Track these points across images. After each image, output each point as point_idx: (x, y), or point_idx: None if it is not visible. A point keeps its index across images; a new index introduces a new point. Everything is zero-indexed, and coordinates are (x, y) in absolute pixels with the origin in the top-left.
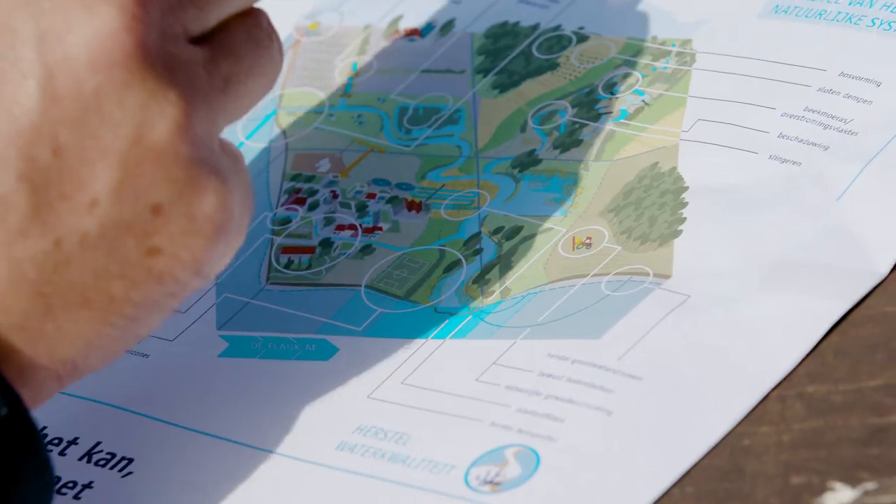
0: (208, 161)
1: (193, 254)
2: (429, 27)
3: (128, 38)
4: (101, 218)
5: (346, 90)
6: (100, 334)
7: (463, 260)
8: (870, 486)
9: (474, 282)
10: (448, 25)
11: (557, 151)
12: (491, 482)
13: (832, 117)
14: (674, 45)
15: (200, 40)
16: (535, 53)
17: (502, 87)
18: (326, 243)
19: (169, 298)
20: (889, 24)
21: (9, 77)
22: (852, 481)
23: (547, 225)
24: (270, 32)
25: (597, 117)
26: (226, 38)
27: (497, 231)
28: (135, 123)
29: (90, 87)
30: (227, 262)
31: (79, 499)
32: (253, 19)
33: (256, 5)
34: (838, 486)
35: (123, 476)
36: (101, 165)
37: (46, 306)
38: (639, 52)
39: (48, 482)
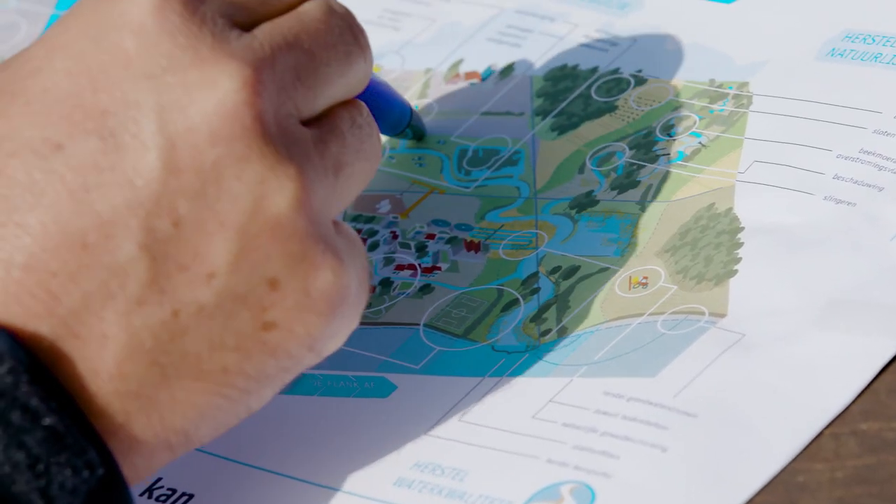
0: (325, 238)
1: (308, 330)
2: (489, 71)
3: (247, 113)
4: (218, 289)
5: None
6: (212, 405)
7: (521, 299)
8: None
9: (532, 320)
10: (508, 69)
11: (615, 192)
12: None
13: (887, 159)
14: (731, 88)
15: (309, 123)
16: (594, 96)
17: (561, 129)
18: (386, 283)
19: (282, 372)
20: None
21: (131, 148)
22: None
23: (604, 265)
24: (371, 121)
25: (654, 159)
26: (332, 123)
27: (554, 271)
28: (253, 197)
29: (210, 159)
30: (342, 341)
31: None
32: (355, 108)
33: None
34: None
35: None
36: (219, 237)
37: (162, 375)
38: (696, 94)
39: None
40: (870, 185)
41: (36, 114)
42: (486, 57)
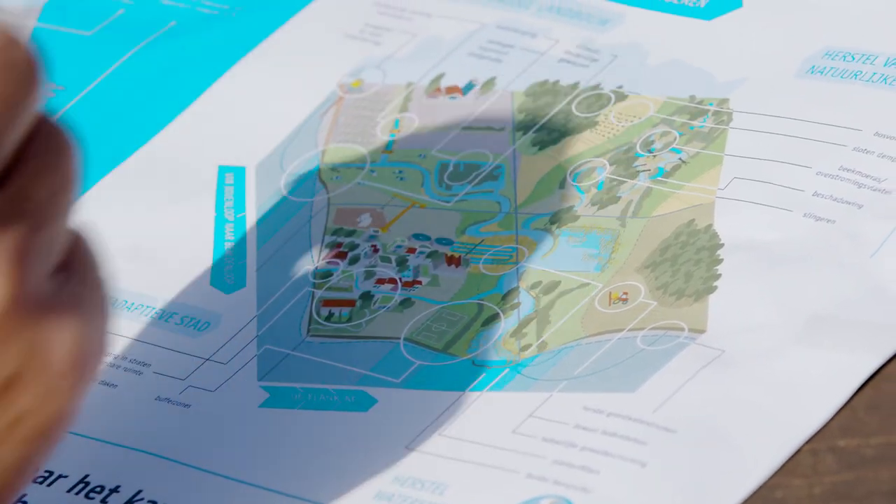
0: (47, 309)
1: (59, 404)
2: (470, 85)
3: None
4: None
5: (387, 146)
6: None
7: (501, 314)
8: None
9: (512, 335)
10: (489, 83)
11: (595, 208)
12: None
13: (866, 176)
14: (711, 105)
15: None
16: (575, 111)
17: (542, 144)
18: (367, 296)
19: (42, 456)
20: None
21: None
22: None
23: (584, 280)
24: (57, 134)
25: (634, 175)
26: (20, 173)
27: (535, 286)
28: None
29: None
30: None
31: None
32: (41, 135)
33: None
34: None
35: None
36: None
37: None
38: (676, 110)
39: None
40: (849, 203)
41: None
42: (467, 71)
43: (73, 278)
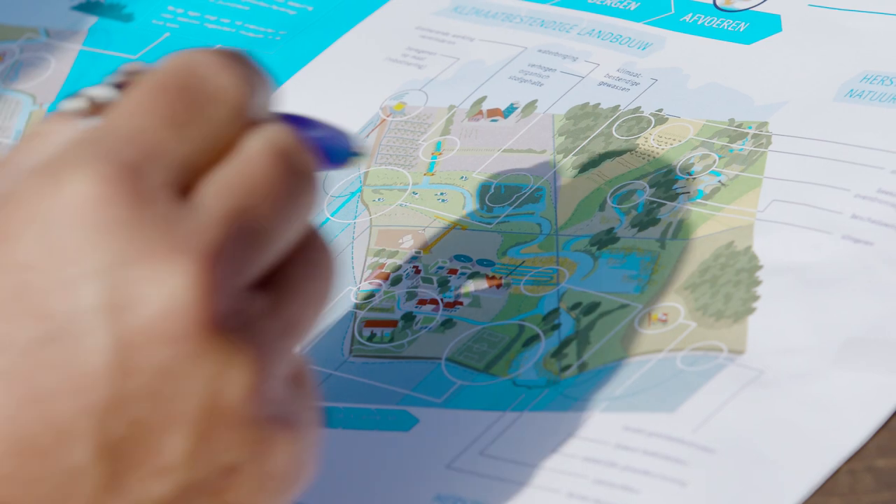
0: (279, 415)
1: (268, 502)
2: (511, 108)
3: (198, 310)
4: (175, 482)
5: (429, 168)
6: None
7: (541, 335)
8: None
9: (552, 356)
10: (530, 106)
11: (635, 230)
12: None
13: None
14: (750, 128)
15: (264, 279)
16: (615, 134)
17: (582, 167)
18: (408, 317)
19: None
20: None
21: (81, 350)
22: None
23: (624, 301)
24: (326, 252)
25: (674, 197)
26: (287, 276)
27: (575, 307)
28: (207, 392)
29: (162, 359)
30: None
31: None
32: (309, 243)
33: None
34: None
35: None
36: (174, 434)
37: None
38: (716, 133)
39: None
40: (887, 225)
41: None
42: (508, 95)
43: (302, 392)
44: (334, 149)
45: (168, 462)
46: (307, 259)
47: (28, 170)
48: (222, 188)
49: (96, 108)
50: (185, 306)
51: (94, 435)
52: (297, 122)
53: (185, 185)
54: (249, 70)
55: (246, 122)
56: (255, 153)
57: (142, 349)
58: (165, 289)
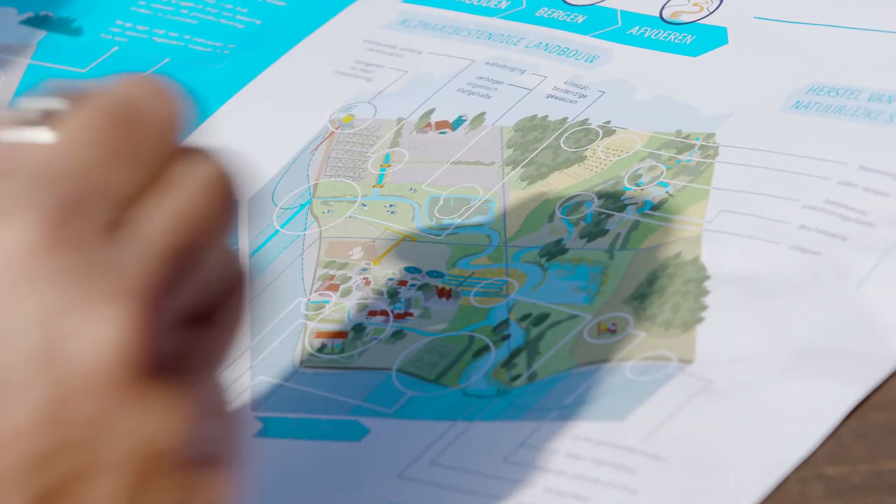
0: (208, 454)
1: None
2: (459, 120)
3: (127, 359)
4: None
5: (378, 181)
6: None
7: (491, 345)
8: None
9: (502, 366)
10: (478, 119)
11: (584, 241)
12: None
13: (851, 209)
14: (697, 139)
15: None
16: (563, 146)
17: (531, 178)
18: (359, 328)
19: None
20: None
21: (12, 403)
22: None
23: (573, 312)
24: (240, 270)
25: (622, 208)
26: (215, 320)
27: (525, 318)
28: (140, 439)
29: (94, 408)
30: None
31: None
32: (224, 262)
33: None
34: None
35: None
36: (108, 482)
37: None
38: (663, 145)
39: None
40: (835, 235)
41: None
42: (456, 107)
43: (226, 425)
44: None
45: None
46: (224, 284)
47: None
48: (158, 222)
49: (45, 117)
50: (112, 356)
51: (27, 488)
52: None
53: (116, 220)
54: (177, 97)
55: (175, 149)
56: (189, 186)
57: (75, 400)
58: (98, 336)
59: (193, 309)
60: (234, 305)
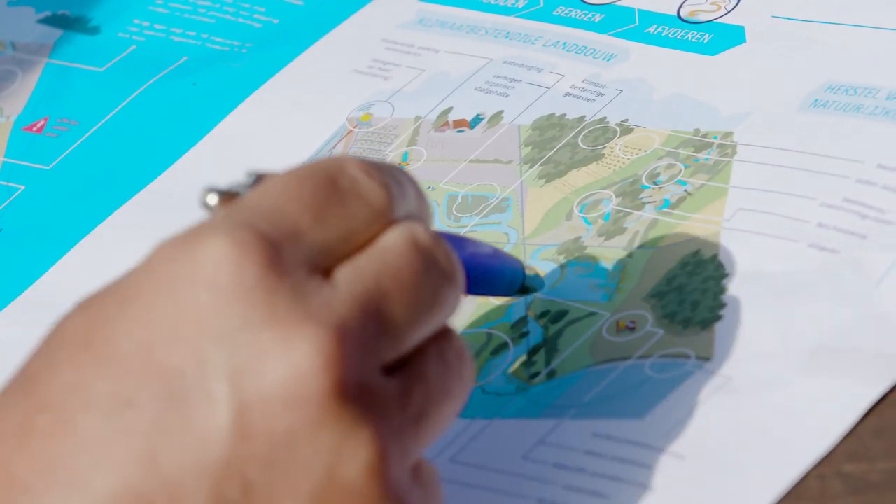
0: (400, 500)
1: None
2: (477, 119)
3: (324, 378)
4: None
5: None
6: None
7: (510, 343)
8: None
9: (521, 364)
10: (496, 117)
11: (602, 239)
12: None
13: (870, 207)
14: (715, 138)
15: (393, 367)
16: (581, 144)
17: (548, 176)
18: None
19: None
20: None
21: (201, 411)
22: None
23: (592, 309)
24: (461, 352)
25: (640, 206)
26: (418, 366)
27: (543, 315)
28: (327, 463)
29: (283, 425)
30: None
31: None
32: (445, 341)
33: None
34: None
35: None
36: (288, 502)
37: None
38: (681, 143)
39: None
40: (853, 233)
41: (106, 367)
42: (474, 106)
43: (426, 492)
44: (500, 272)
45: None
46: (442, 358)
47: (166, 240)
48: (357, 272)
49: (228, 199)
50: (310, 373)
51: (208, 497)
52: (460, 242)
53: (320, 268)
54: (397, 179)
55: (387, 221)
56: (392, 244)
57: (262, 414)
58: (292, 355)
59: (401, 367)
60: (445, 376)
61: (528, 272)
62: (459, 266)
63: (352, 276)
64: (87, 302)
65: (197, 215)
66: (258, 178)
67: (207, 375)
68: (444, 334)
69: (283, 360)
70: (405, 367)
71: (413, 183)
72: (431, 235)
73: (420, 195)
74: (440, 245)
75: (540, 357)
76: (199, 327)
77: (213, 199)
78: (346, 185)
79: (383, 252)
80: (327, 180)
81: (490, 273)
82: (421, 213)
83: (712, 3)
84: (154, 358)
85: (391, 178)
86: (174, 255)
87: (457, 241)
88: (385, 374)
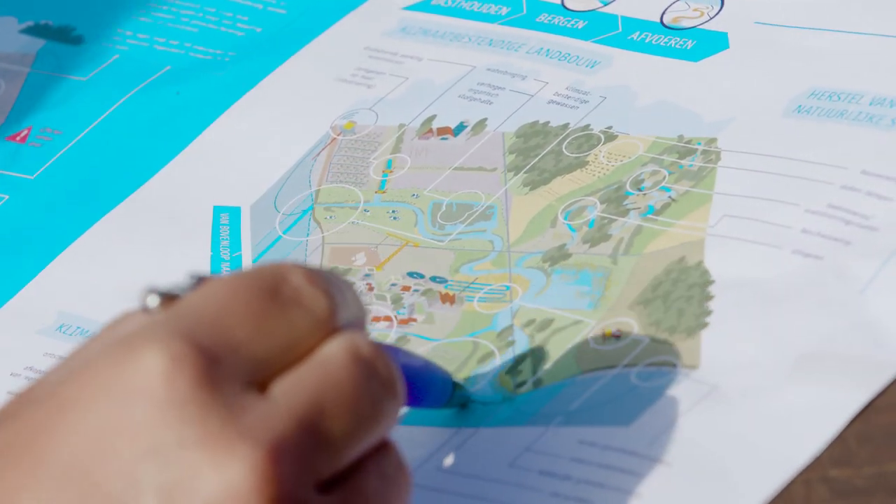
0: None
1: None
2: (461, 126)
3: (259, 498)
4: None
5: (380, 186)
6: None
7: (496, 351)
8: None
9: (507, 372)
10: (480, 125)
11: (587, 246)
12: None
13: (854, 213)
14: (699, 144)
15: (330, 481)
16: (565, 152)
17: (533, 184)
18: None
19: None
20: None
21: None
22: None
23: (577, 317)
24: (400, 465)
25: (625, 213)
26: (357, 482)
27: (529, 324)
28: None
29: None
30: None
31: None
32: (384, 454)
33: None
34: None
35: None
36: None
37: None
38: (665, 150)
39: None
40: (837, 240)
41: (38, 481)
42: (458, 113)
43: None
44: (431, 384)
45: None
46: (381, 472)
47: (105, 344)
48: (297, 384)
49: (169, 301)
50: (243, 493)
51: None
52: (394, 353)
53: (258, 381)
54: (338, 286)
55: (329, 331)
56: (333, 355)
57: None
58: (225, 475)
59: (338, 482)
60: (383, 492)
61: (456, 387)
62: (400, 377)
63: (290, 389)
64: (22, 408)
65: (182, 225)
66: (199, 281)
67: (138, 496)
68: (384, 447)
69: (215, 480)
70: (343, 483)
71: (352, 289)
72: (373, 346)
73: (358, 302)
74: (381, 356)
75: (526, 366)
76: (132, 443)
77: (153, 301)
78: (288, 295)
79: (324, 364)
80: (270, 289)
81: (421, 384)
82: (359, 320)
83: (695, 10)
84: (88, 474)
85: (333, 286)
86: (114, 363)
87: (391, 352)
88: (322, 491)
